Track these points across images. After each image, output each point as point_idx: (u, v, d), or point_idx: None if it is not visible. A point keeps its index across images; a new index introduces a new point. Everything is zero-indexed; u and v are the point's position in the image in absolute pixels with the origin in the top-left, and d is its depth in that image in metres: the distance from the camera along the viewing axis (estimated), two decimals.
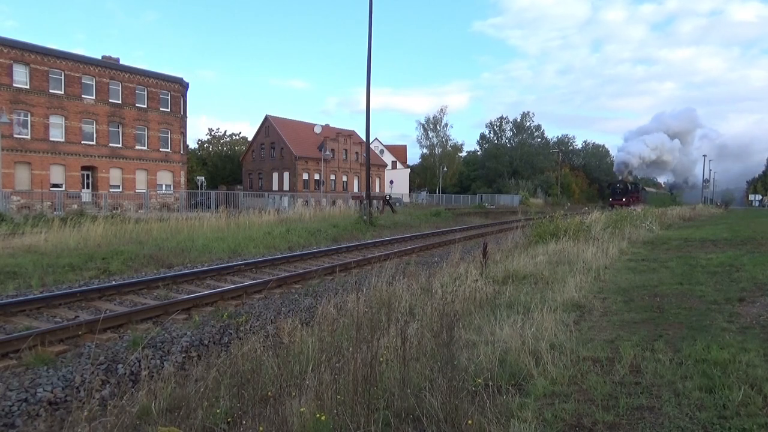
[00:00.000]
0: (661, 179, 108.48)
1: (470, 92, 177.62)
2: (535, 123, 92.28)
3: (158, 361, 6.75)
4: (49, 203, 31.90)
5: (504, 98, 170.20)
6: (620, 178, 74.25)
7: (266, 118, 59.92)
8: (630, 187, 68.07)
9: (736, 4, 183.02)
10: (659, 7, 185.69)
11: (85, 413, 4.16)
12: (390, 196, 45.38)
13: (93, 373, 6.13)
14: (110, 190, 37.70)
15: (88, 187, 37.59)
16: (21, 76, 33.37)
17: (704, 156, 78.13)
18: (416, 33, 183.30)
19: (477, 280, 8.76)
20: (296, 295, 10.45)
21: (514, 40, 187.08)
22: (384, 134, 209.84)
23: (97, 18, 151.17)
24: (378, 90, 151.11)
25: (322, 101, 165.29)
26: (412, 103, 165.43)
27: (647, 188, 79.72)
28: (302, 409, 3.88)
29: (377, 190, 62.21)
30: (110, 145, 38.62)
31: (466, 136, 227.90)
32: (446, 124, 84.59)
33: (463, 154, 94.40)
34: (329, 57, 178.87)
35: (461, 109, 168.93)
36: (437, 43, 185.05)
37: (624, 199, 61.96)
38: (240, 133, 74.97)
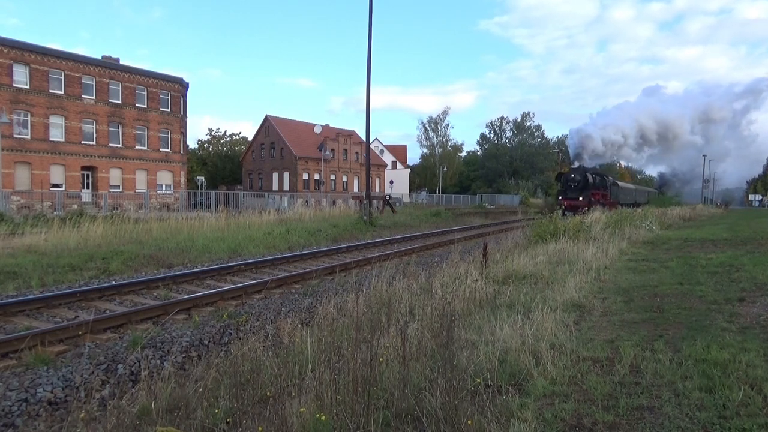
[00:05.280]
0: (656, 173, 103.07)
1: (475, 91, 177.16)
2: (535, 123, 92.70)
3: (158, 361, 6.74)
4: (49, 203, 31.91)
5: (508, 98, 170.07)
6: (575, 165, 46.57)
7: (266, 118, 59.95)
8: (594, 180, 42.66)
9: (746, 1, 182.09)
10: (667, 5, 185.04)
11: (84, 413, 4.16)
12: (390, 196, 45.36)
13: (93, 373, 6.13)
14: (110, 190, 37.71)
15: (88, 187, 37.62)
16: (21, 76, 33.40)
17: (704, 156, 77.96)
18: (422, 31, 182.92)
19: (477, 280, 8.75)
20: (296, 295, 10.45)
21: (519, 39, 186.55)
22: (388, 134, 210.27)
23: (102, 16, 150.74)
24: (384, 89, 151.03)
25: (327, 100, 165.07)
26: (417, 102, 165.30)
27: (620, 183, 55.55)
28: (302, 410, 3.88)
29: (377, 190, 62.22)
30: (110, 145, 38.66)
31: (472, 136, 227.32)
32: (447, 125, 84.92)
33: (464, 154, 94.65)
34: (336, 56, 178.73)
35: (467, 109, 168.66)
36: (443, 42, 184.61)
37: (581, 199, 39.29)
38: (240, 133, 75.26)
